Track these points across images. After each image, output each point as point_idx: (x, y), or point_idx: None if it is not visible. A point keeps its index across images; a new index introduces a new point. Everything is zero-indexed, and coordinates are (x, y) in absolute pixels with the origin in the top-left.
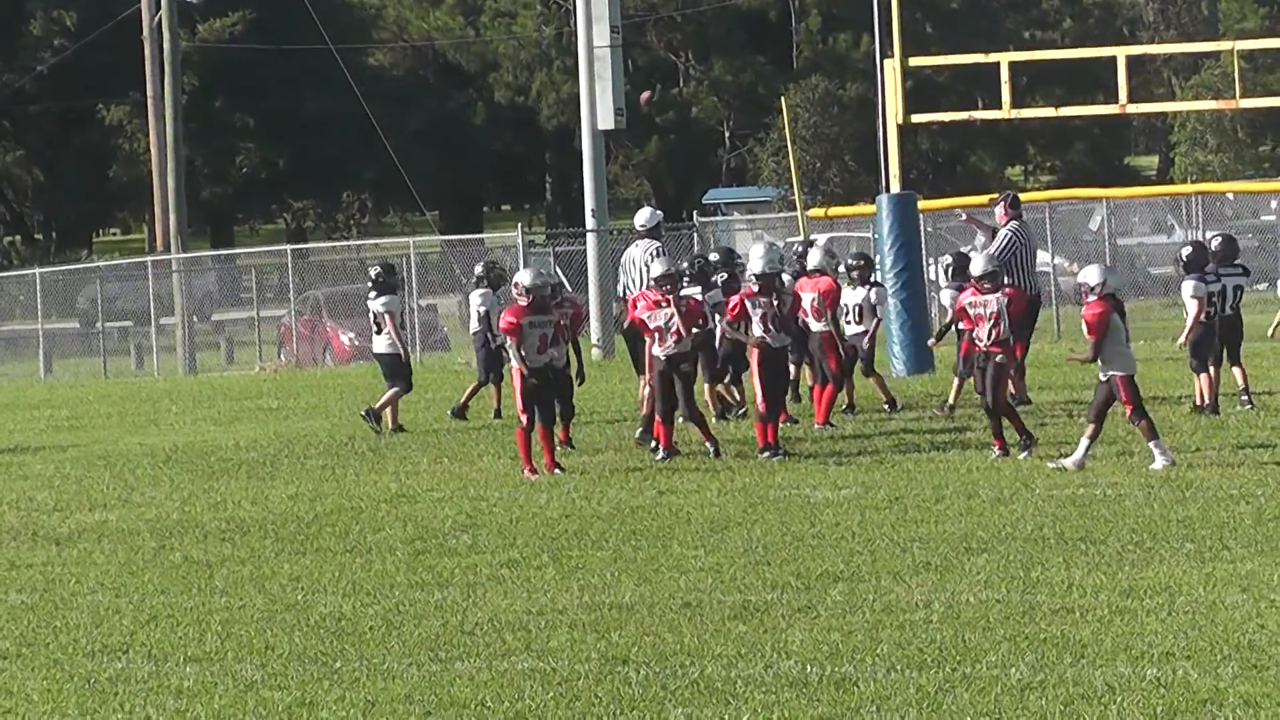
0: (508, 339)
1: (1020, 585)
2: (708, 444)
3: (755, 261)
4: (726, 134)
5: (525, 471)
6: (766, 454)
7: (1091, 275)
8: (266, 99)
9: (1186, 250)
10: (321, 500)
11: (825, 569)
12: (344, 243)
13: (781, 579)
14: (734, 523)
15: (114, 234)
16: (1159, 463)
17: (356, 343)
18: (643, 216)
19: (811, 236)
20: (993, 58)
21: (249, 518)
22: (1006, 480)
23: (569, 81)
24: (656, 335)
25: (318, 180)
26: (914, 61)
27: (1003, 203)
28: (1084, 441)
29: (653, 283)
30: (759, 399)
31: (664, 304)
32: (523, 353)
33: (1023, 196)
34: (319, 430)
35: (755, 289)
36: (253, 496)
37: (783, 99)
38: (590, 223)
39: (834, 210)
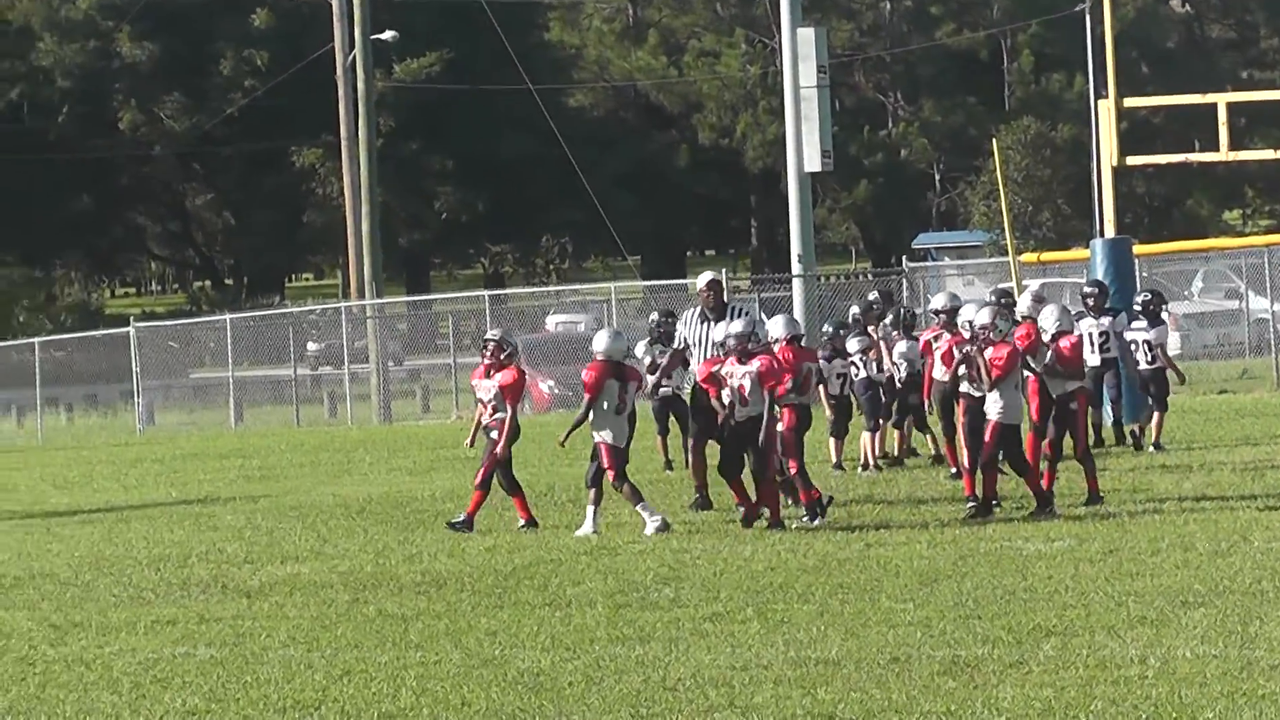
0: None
1: (1238, 640)
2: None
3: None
4: (936, 176)
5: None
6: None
7: None
8: (464, 141)
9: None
10: (520, 552)
11: (1037, 623)
12: (543, 288)
13: (992, 633)
14: (944, 575)
15: (307, 279)
16: None
17: (555, 390)
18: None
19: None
20: (1210, 98)
21: (445, 570)
22: (1224, 532)
23: (775, 123)
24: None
25: (516, 224)
26: (1129, 102)
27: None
28: None
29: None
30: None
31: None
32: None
33: (1241, 241)
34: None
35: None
36: (449, 549)
37: (994, 140)
38: (796, 268)
39: (1046, 255)
